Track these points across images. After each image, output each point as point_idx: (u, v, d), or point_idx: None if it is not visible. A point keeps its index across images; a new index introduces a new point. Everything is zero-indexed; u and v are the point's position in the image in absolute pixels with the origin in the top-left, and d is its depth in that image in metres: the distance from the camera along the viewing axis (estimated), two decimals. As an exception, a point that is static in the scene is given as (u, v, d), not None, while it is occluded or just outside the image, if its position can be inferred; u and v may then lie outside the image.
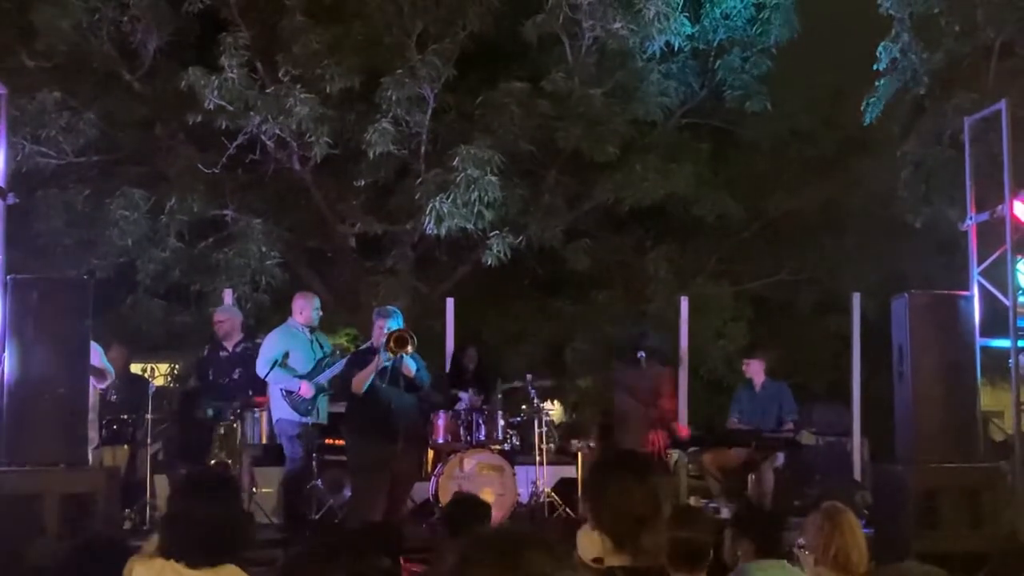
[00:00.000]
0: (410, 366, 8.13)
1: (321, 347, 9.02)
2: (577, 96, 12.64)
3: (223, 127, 11.89)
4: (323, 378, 8.76)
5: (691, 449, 9.91)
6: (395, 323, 8.28)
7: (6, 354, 7.31)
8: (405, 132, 12.12)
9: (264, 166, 12.84)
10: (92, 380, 8.08)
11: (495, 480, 8.83)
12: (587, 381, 14.82)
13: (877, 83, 12.64)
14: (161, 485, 8.89)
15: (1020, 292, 9.15)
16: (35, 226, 11.63)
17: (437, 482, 8.86)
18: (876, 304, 11.00)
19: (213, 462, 8.49)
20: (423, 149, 12.49)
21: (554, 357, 14.02)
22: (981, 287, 9.07)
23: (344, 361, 8.70)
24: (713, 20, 13.59)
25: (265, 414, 8.82)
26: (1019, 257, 9.19)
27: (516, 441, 9.76)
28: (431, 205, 11.62)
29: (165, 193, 12.29)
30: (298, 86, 11.62)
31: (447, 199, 11.53)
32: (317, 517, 8.73)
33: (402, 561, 6.12)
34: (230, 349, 9.26)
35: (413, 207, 12.22)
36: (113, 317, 11.88)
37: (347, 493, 9.21)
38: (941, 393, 8.14)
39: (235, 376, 9.09)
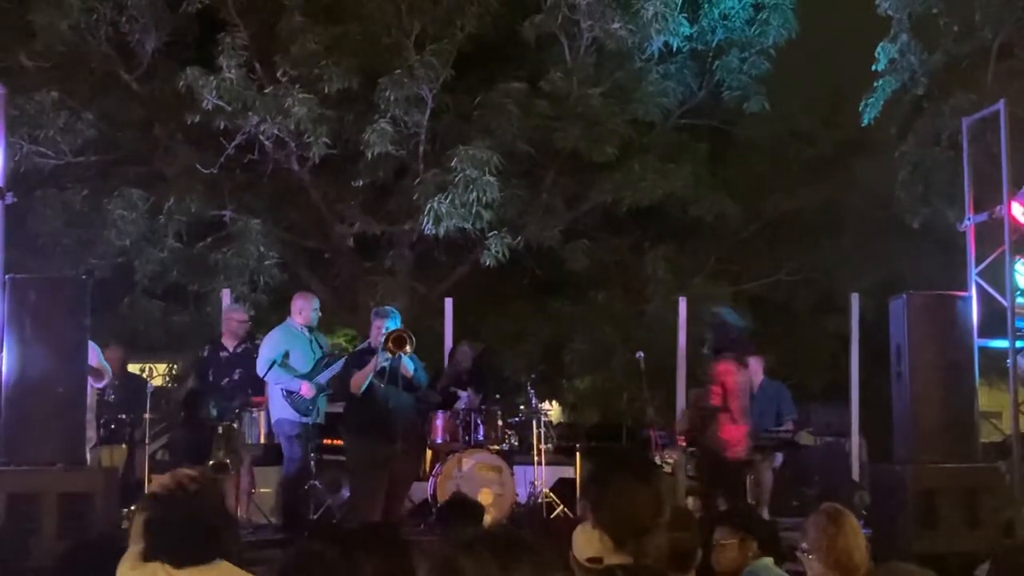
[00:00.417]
0: (408, 366, 8.14)
1: (320, 347, 9.03)
2: (575, 96, 12.65)
3: (221, 127, 11.89)
4: (323, 378, 8.76)
5: (689, 449, 9.90)
6: (393, 323, 8.29)
7: (4, 353, 7.30)
8: (403, 132, 12.13)
9: (262, 166, 12.84)
10: (90, 379, 8.07)
11: (493, 480, 8.83)
12: (585, 381, 14.83)
13: (875, 84, 12.65)
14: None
15: (1018, 293, 9.16)
16: (33, 226, 11.62)
17: (435, 482, 8.85)
18: (874, 304, 10.99)
19: (212, 462, 8.47)
20: (421, 149, 12.49)
21: (553, 357, 14.02)
22: (979, 288, 9.07)
23: (342, 361, 8.71)
24: (712, 21, 13.59)
25: (263, 414, 8.81)
26: (1017, 258, 9.20)
27: (514, 441, 9.76)
28: (429, 205, 11.63)
29: (163, 193, 12.29)
30: (296, 86, 11.62)
31: (445, 199, 11.54)
32: (315, 517, 8.72)
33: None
34: (231, 349, 9.25)
35: (411, 207, 12.22)
36: (111, 317, 11.88)
37: (345, 493, 9.21)
38: (939, 394, 8.14)
39: (235, 376, 9.09)
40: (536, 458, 9.44)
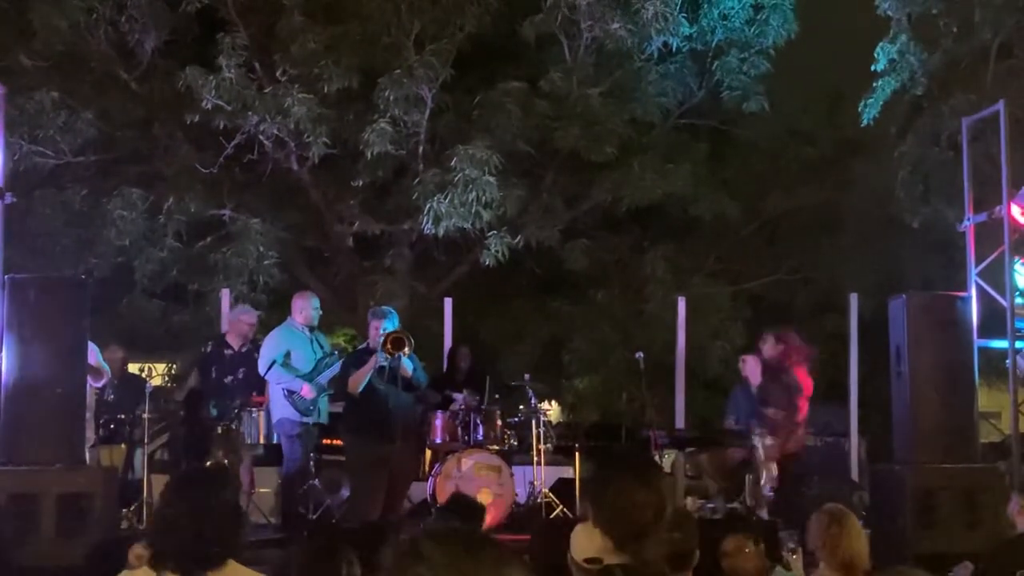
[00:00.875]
0: (407, 366, 8.15)
1: (321, 347, 9.02)
2: (575, 96, 12.65)
3: (221, 127, 11.89)
4: (323, 378, 8.76)
5: (688, 449, 9.91)
6: (391, 324, 8.29)
7: (3, 353, 7.30)
8: (403, 132, 12.12)
9: (262, 166, 12.84)
10: (89, 379, 8.06)
11: (493, 480, 8.82)
12: (584, 381, 14.83)
13: (875, 84, 12.65)
14: (161, 485, 8.85)
15: (1018, 293, 9.17)
16: (33, 226, 11.60)
17: (435, 482, 8.84)
18: (874, 304, 10.99)
19: (210, 462, 8.47)
20: (421, 149, 12.49)
21: (552, 357, 14.02)
22: (979, 288, 9.07)
23: (341, 362, 8.71)
24: (711, 21, 13.59)
25: (263, 414, 8.80)
26: (1016, 258, 9.21)
27: (514, 441, 9.75)
28: (429, 205, 11.63)
29: (163, 193, 12.29)
30: (296, 86, 11.63)
31: (445, 199, 11.54)
32: (315, 517, 8.72)
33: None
34: (236, 348, 9.23)
35: (411, 207, 12.23)
36: (111, 317, 11.87)
37: (345, 493, 9.20)
38: (939, 394, 8.14)
39: (239, 376, 9.07)
40: (535, 458, 9.43)
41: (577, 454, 9.77)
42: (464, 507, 5.82)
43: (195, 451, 9.01)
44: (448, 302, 11.48)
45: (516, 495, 9.14)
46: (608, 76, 13.12)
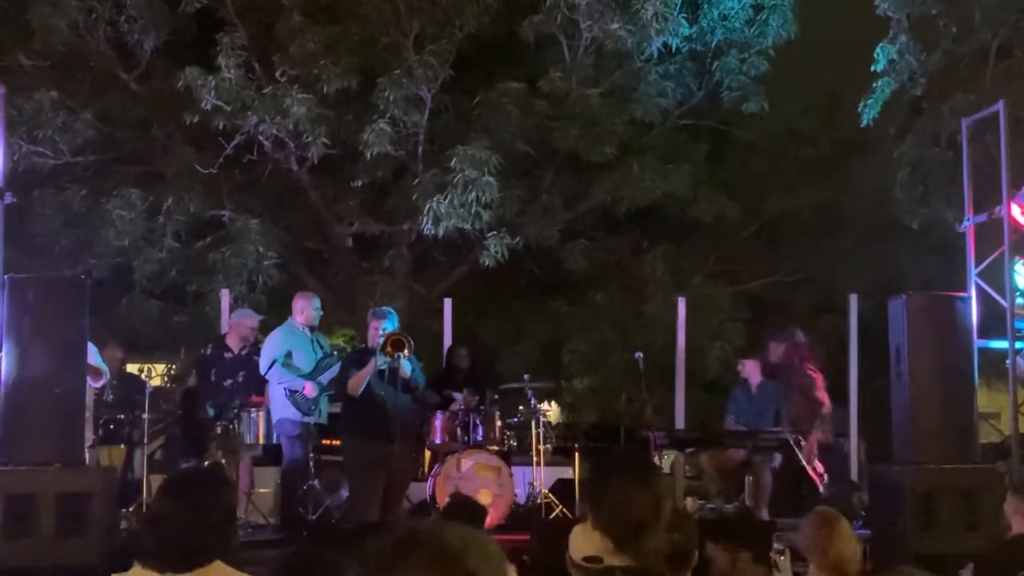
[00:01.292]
0: (406, 367, 8.15)
1: (321, 347, 9.03)
2: (574, 97, 12.64)
3: (220, 127, 11.88)
4: (324, 378, 8.77)
5: (688, 450, 9.90)
6: (390, 324, 8.30)
7: (2, 353, 7.29)
8: (402, 132, 12.12)
9: (261, 166, 12.83)
10: (88, 379, 8.06)
11: (492, 481, 8.81)
12: (584, 382, 14.82)
13: (874, 84, 12.64)
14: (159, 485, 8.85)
15: (1018, 293, 9.17)
16: (32, 226, 11.61)
17: (434, 482, 8.84)
18: (873, 305, 10.99)
19: (208, 462, 8.46)
20: (420, 149, 12.49)
21: (551, 358, 14.01)
22: (979, 288, 9.08)
23: (340, 362, 8.72)
24: (711, 21, 13.58)
25: (263, 414, 8.80)
26: (1016, 259, 9.21)
27: (513, 441, 9.75)
28: (428, 205, 11.63)
29: (162, 193, 12.28)
30: (295, 86, 11.62)
31: (444, 199, 11.54)
32: (314, 518, 8.71)
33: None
34: (235, 351, 9.22)
35: (410, 207, 12.22)
36: (110, 317, 11.86)
37: (344, 493, 9.20)
38: (938, 394, 8.13)
39: (239, 379, 9.06)
40: (535, 458, 9.43)
41: (577, 455, 9.77)
42: (465, 508, 5.80)
43: (193, 451, 9.00)
44: (447, 302, 11.48)
45: (515, 495, 9.13)
46: (607, 76, 13.11)
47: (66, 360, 7.33)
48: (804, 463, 9.01)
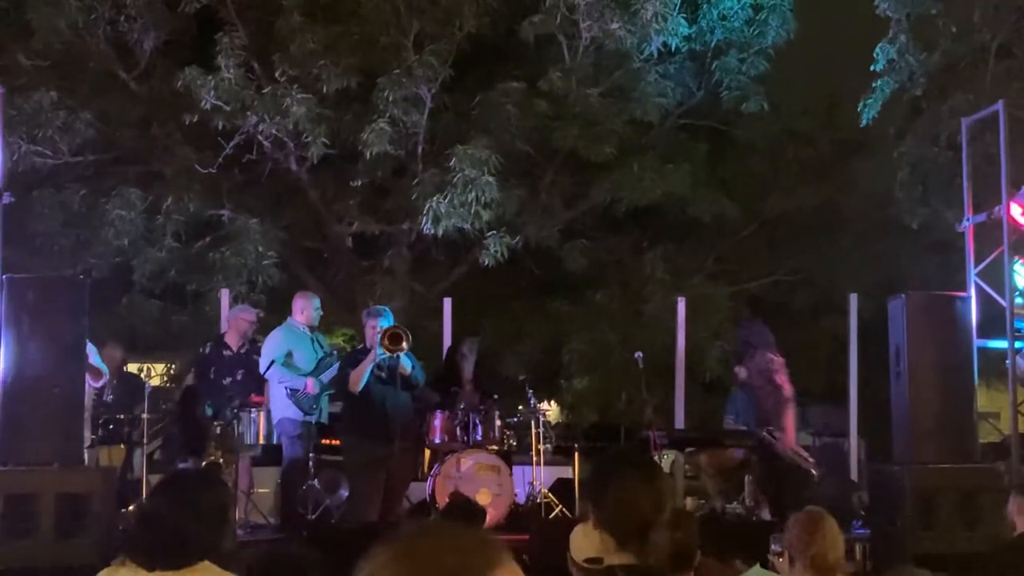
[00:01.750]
0: (405, 364, 8.16)
1: (321, 346, 9.03)
2: (574, 96, 12.64)
3: (220, 127, 11.88)
4: (325, 377, 8.77)
5: (688, 450, 9.90)
6: (386, 322, 8.31)
7: (2, 353, 7.29)
8: (402, 132, 12.12)
9: (261, 166, 12.83)
10: (87, 379, 8.06)
11: (492, 480, 8.80)
12: (583, 381, 14.81)
13: (874, 84, 12.64)
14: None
15: (1017, 293, 9.16)
16: (31, 225, 11.60)
17: (434, 482, 8.83)
18: (873, 305, 11.00)
19: (205, 462, 8.45)
20: (420, 149, 12.48)
21: (551, 358, 14.01)
22: (978, 288, 9.07)
23: (339, 363, 8.73)
24: (710, 21, 13.58)
25: (263, 414, 8.79)
26: (1016, 258, 9.20)
27: (513, 441, 9.74)
28: (428, 205, 11.62)
29: (161, 193, 12.29)
30: (295, 86, 11.62)
31: (444, 199, 11.53)
32: (313, 517, 8.71)
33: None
34: (234, 349, 9.21)
35: (410, 207, 12.21)
36: (109, 317, 11.86)
37: (344, 493, 9.19)
38: (938, 394, 8.14)
39: (238, 377, 9.05)
40: (535, 458, 9.43)
41: (576, 454, 9.76)
42: (464, 509, 5.81)
43: (191, 451, 9.00)
44: (447, 302, 11.47)
45: (515, 495, 9.13)
46: (607, 76, 13.11)
47: (65, 360, 7.33)
48: (787, 453, 8.94)
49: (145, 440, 9.16)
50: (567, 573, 3.20)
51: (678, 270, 13.89)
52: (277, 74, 11.93)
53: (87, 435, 8.20)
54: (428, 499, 9.02)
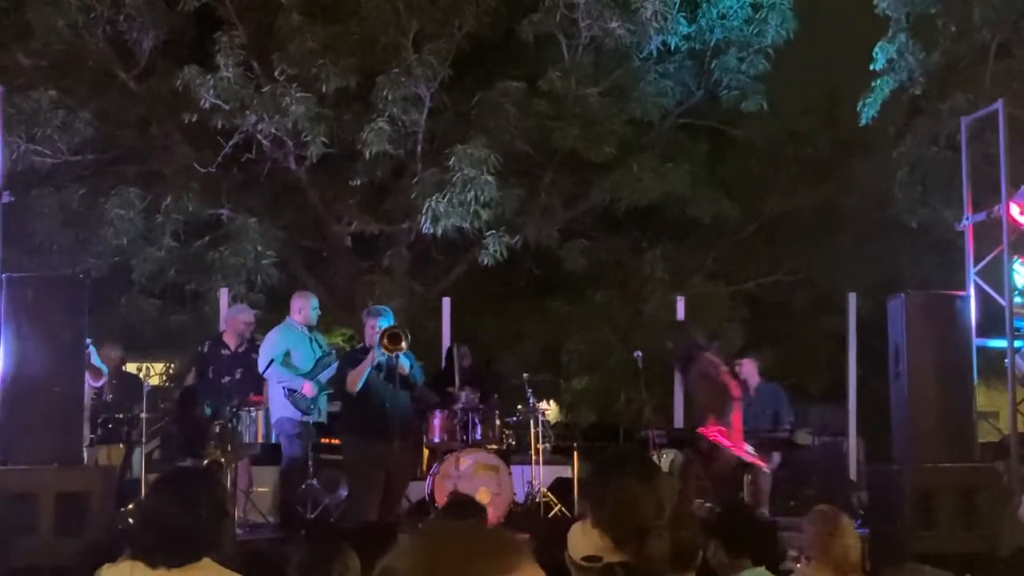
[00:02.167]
0: (404, 364, 8.16)
1: (319, 346, 9.02)
2: (574, 96, 12.64)
3: (219, 126, 11.88)
4: (323, 377, 8.76)
5: (687, 449, 9.88)
6: (385, 322, 8.31)
7: (1, 352, 7.28)
8: (401, 131, 12.12)
9: (260, 165, 12.83)
10: (87, 378, 8.05)
11: (491, 479, 8.80)
12: (583, 381, 14.82)
13: (873, 84, 12.64)
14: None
15: (1016, 292, 9.15)
16: (30, 225, 11.59)
17: (433, 481, 8.83)
18: (872, 304, 11.00)
19: (206, 461, 8.45)
20: (419, 148, 12.49)
21: (550, 357, 14.01)
22: (977, 287, 9.07)
23: (338, 362, 8.72)
24: (710, 20, 13.57)
25: (262, 413, 8.78)
26: (1015, 257, 9.19)
27: (512, 441, 9.74)
28: (427, 204, 11.62)
29: (160, 192, 12.29)
30: (294, 85, 11.62)
31: (443, 198, 11.54)
32: (313, 516, 8.71)
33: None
34: (233, 348, 9.21)
35: (409, 206, 12.22)
36: (108, 316, 11.85)
37: (343, 492, 9.19)
38: (937, 393, 8.13)
39: (237, 376, 9.05)
40: (534, 457, 9.43)
41: (575, 454, 9.76)
42: (463, 507, 5.80)
43: (190, 450, 8.99)
44: (446, 302, 11.47)
45: (514, 494, 9.13)
46: (607, 76, 13.11)
47: (64, 359, 7.32)
48: (730, 452, 8.86)
49: (144, 439, 9.15)
50: (566, 572, 3.19)
51: (677, 270, 13.90)
52: (276, 73, 11.92)
53: (86, 434, 8.19)
54: (427, 498, 9.01)
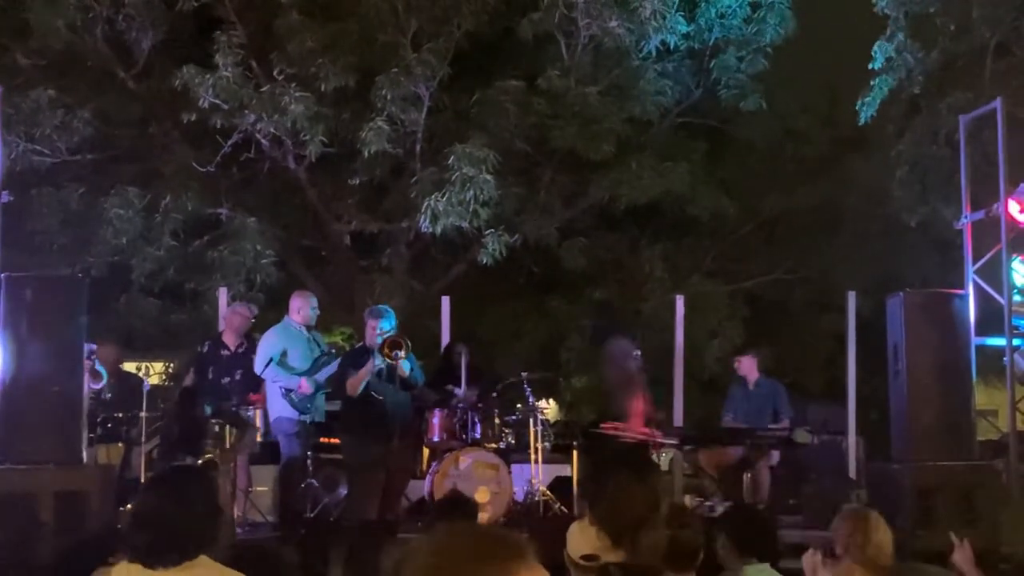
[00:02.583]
0: (404, 366, 8.18)
1: (318, 345, 9.02)
2: (573, 95, 12.63)
3: (218, 125, 11.87)
4: (321, 376, 8.76)
5: (687, 448, 9.90)
6: (387, 323, 8.31)
7: (1, 352, 7.29)
8: (400, 130, 12.12)
9: (259, 164, 12.83)
10: (87, 379, 8.05)
11: (491, 478, 8.81)
12: (582, 380, 14.82)
13: (872, 82, 12.64)
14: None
15: (1015, 291, 9.17)
16: (30, 224, 11.59)
17: (433, 480, 8.83)
18: (871, 303, 11.00)
19: (202, 460, 8.45)
20: (418, 147, 12.48)
21: (549, 356, 14.02)
22: (976, 286, 9.08)
23: (338, 361, 8.72)
24: (709, 19, 13.56)
25: (260, 412, 8.80)
26: (1014, 256, 9.21)
27: (511, 439, 9.74)
28: (427, 203, 11.62)
29: (160, 191, 12.28)
30: (293, 84, 11.61)
31: (442, 197, 11.53)
32: (312, 515, 8.72)
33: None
34: (232, 348, 9.21)
35: (408, 205, 12.22)
36: (108, 316, 11.85)
37: (342, 491, 9.20)
38: (936, 392, 8.14)
39: (236, 377, 9.04)
40: (533, 456, 9.43)
41: (575, 453, 9.76)
42: (456, 505, 5.80)
43: (189, 449, 8.99)
44: (446, 301, 11.46)
45: (514, 493, 9.13)
46: (606, 74, 13.10)
47: (64, 358, 7.33)
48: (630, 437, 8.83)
49: (143, 439, 9.15)
50: (566, 571, 3.21)
51: (677, 268, 13.90)
52: (275, 72, 11.92)
53: (85, 434, 8.19)
54: (427, 497, 9.02)
